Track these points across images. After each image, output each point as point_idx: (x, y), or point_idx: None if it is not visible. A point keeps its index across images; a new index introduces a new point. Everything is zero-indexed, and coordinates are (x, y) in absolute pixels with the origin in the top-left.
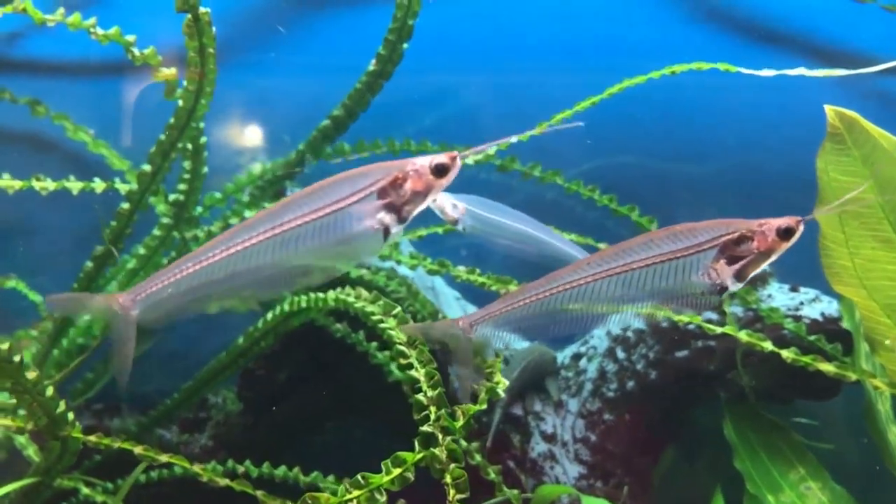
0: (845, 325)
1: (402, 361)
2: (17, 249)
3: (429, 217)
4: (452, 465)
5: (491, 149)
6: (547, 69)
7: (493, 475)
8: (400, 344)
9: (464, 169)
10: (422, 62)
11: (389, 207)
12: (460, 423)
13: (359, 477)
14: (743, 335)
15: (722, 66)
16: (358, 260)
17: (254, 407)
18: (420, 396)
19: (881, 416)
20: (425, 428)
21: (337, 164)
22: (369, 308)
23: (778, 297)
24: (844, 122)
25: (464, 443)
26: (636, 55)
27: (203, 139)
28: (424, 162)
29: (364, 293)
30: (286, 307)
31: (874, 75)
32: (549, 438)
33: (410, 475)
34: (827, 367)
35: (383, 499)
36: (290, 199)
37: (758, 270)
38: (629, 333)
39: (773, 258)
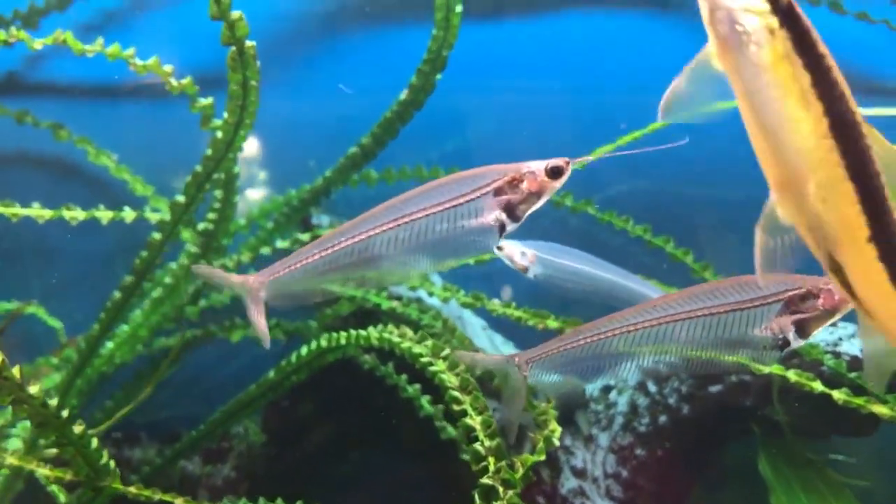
0: None
1: (456, 408)
2: (35, 274)
3: None
4: None
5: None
6: (574, 91)
7: None
8: (453, 389)
9: None
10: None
11: (505, 206)
12: (520, 473)
13: None
14: (792, 374)
15: None
16: (471, 254)
17: (278, 438)
18: (478, 446)
19: None
20: (486, 480)
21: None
22: (417, 349)
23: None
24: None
25: None
26: (666, 77)
27: (236, 169)
28: (540, 165)
29: (409, 332)
30: (323, 343)
31: None
32: (580, 474)
33: None
34: (881, 410)
35: None
36: (410, 193)
37: (820, 329)
38: (661, 366)
39: (837, 317)
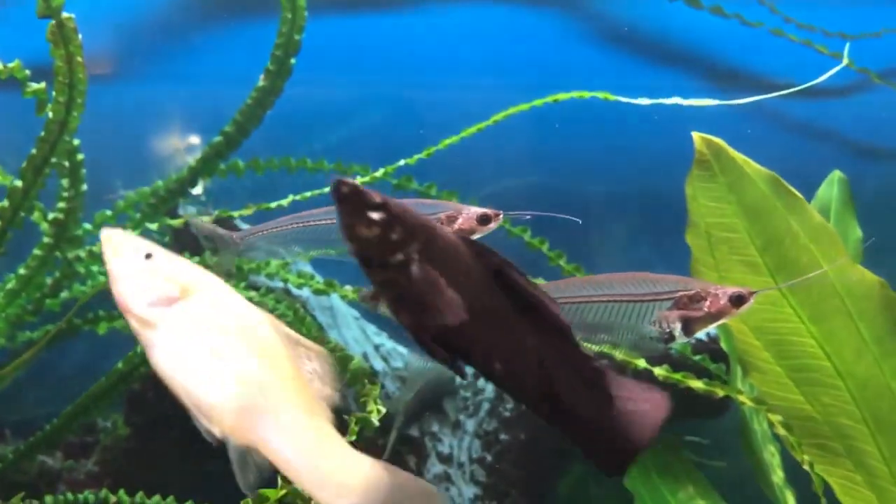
0: (723, 346)
1: None
2: None
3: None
4: (312, 500)
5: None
6: (450, 86)
7: None
8: None
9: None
10: (325, 77)
11: None
12: None
13: None
14: (618, 353)
15: (601, 95)
16: None
17: (142, 432)
18: None
19: (757, 435)
20: None
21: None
22: None
23: None
24: (711, 149)
25: None
26: (539, 74)
27: (80, 156)
28: (476, 211)
29: None
30: None
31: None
32: (446, 459)
33: None
34: (697, 385)
35: None
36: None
37: (705, 330)
38: None
39: (721, 322)
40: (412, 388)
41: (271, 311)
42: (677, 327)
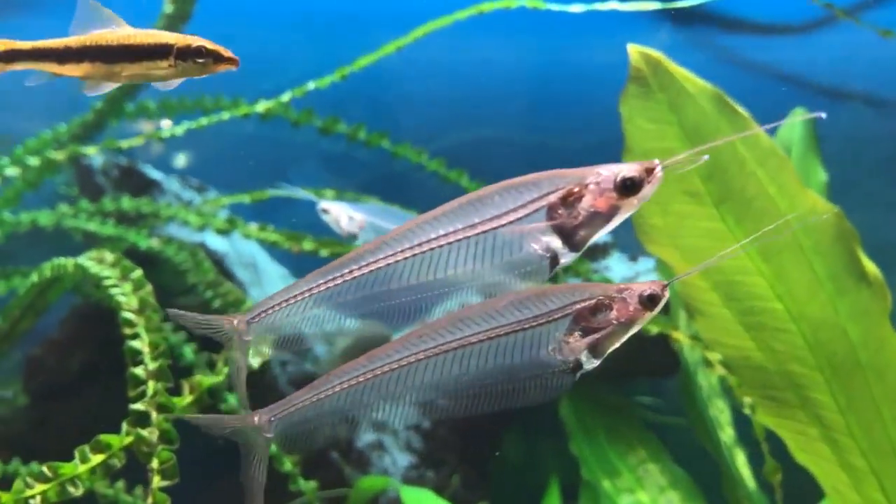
0: None
1: (129, 331)
2: None
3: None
4: (160, 448)
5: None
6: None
7: (289, 466)
8: (129, 311)
9: (298, 140)
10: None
11: (558, 229)
12: (188, 399)
13: (45, 468)
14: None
15: (529, 3)
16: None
17: (43, 400)
18: (138, 370)
19: (702, 390)
20: (138, 406)
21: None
22: (105, 272)
23: (616, 267)
24: (649, 63)
25: None
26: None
27: None
28: (609, 174)
29: (109, 258)
30: (35, 278)
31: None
32: (379, 427)
33: (118, 461)
34: (647, 329)
35: (78, 491)
36: (442, 209)
37: (617, 345)
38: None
39: (635, 329)
40: (339, 350)
41: (171, 258)
42: (584, 353)
